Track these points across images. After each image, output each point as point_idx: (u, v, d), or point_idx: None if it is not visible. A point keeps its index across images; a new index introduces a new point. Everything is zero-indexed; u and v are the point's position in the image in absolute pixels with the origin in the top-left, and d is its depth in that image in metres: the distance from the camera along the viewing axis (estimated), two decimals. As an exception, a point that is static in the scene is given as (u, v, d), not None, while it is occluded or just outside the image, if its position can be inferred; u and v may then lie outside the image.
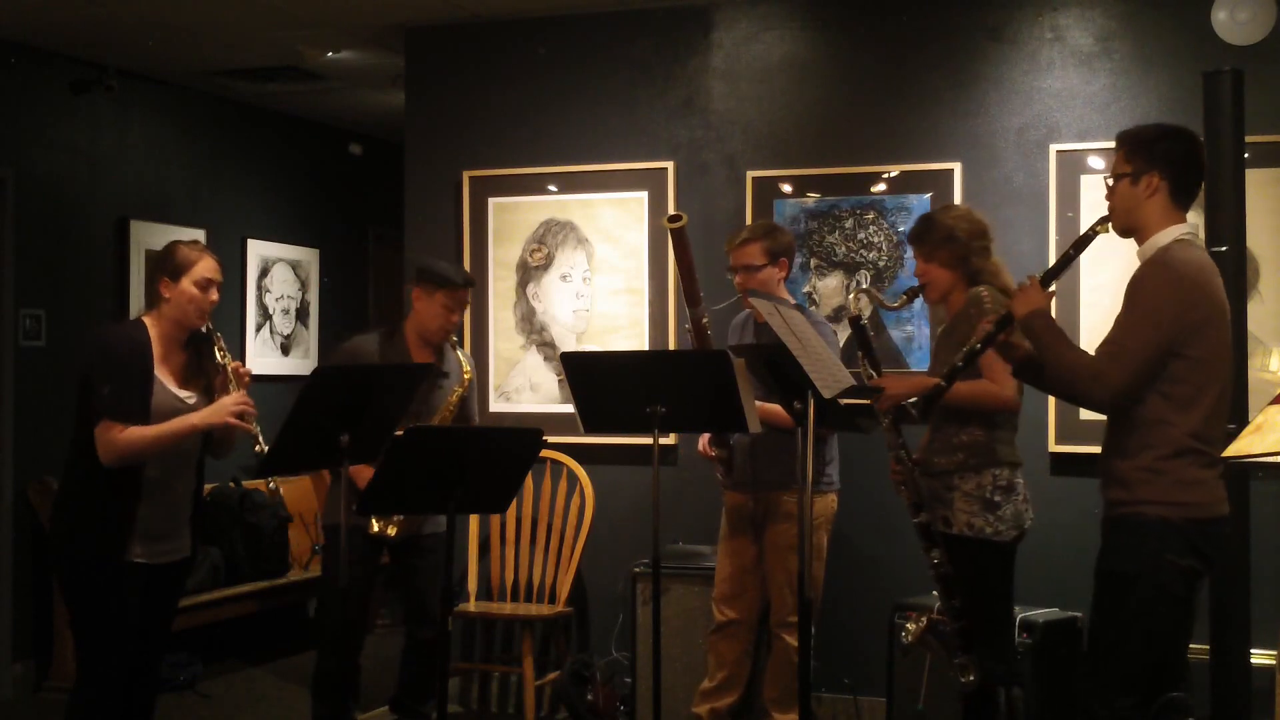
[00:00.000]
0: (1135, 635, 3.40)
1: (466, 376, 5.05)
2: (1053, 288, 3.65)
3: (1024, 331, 3.55)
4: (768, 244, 4.82)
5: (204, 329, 4.07)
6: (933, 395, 3.74)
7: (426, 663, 5.02)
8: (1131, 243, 3.54)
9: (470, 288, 5.09)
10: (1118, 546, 3.46)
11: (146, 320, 4.06)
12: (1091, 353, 3.48)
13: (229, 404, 3.96)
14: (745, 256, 4.82)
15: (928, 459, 4.09)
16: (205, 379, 4.10)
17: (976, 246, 4.15)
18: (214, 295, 4.07)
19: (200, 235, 7.25)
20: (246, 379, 4.05)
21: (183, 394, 4.04)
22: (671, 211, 5.55)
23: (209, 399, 4.05)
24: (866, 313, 4.17)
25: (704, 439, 4.97)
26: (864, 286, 4.14)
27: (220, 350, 4.06)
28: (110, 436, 3.88)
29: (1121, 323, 3.41)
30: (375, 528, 4.89)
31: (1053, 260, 5.21)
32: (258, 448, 3.99)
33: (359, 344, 5.08)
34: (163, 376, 4.01)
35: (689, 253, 4.70)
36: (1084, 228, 3.45)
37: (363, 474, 4.67)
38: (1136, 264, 3.49)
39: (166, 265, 4.05)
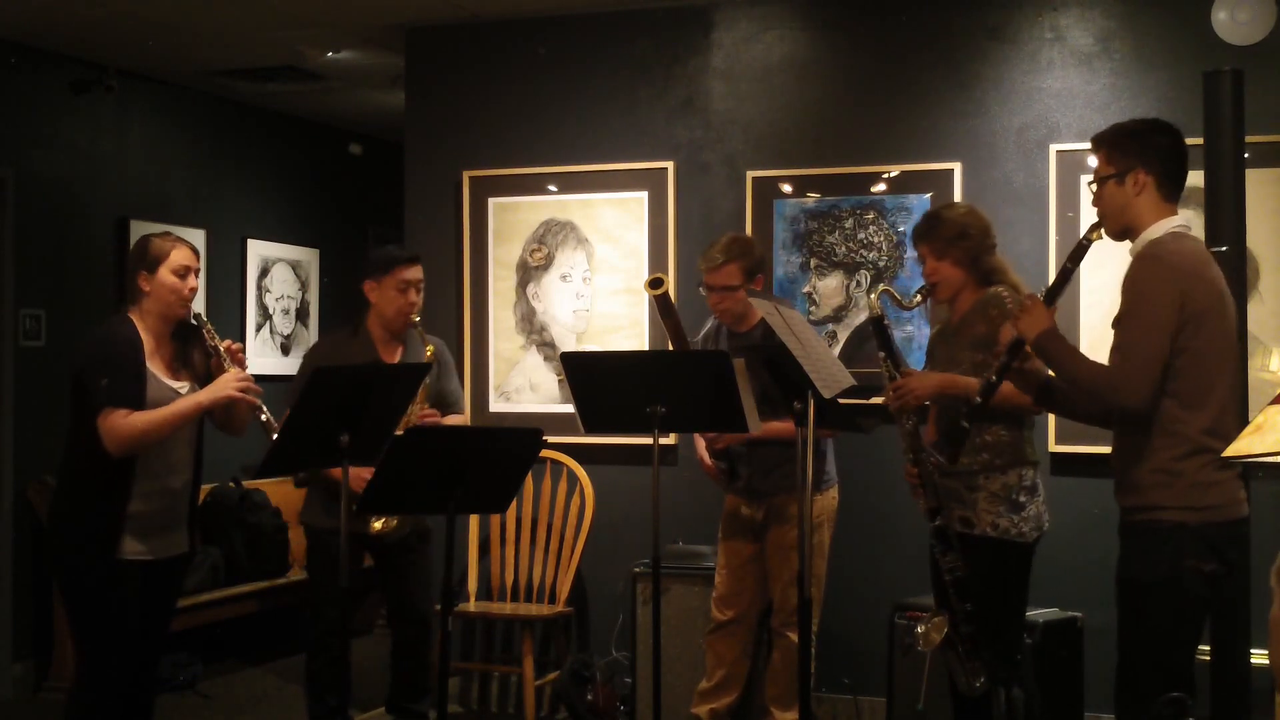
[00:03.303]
0: (1159, 642, 3.34)
1: (429, 354, 4.81)
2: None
3: (1037, 353, 3.45)
4: (745, 263, 4.76)
5: (191, 318, 4.09)
6: (978, 410, 3.67)
7: (415, 661, 5.02)
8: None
9: (417, 263, 4.90)
10: (1135, 554, 3.38)
11: (132, 316, 4.07)
12: (1104, 363, 3.38)
13: (231, 380, 3.99)
14: (724, 278, 4.75)
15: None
16: (193, 370, 4.12)
17: (987, 245, 4.10)
18: (192, 282, 4.08)
19: (200, 235, 7.27)
20: (241, 356, 4.08)
21: (175, 384, 4.05)
22: (669, 212, 5.56)
23: (201, 388, 4.07)
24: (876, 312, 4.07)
25: (702, 450, 4.95)
26: (885, 287, 4.07)
27: (210, 335, 4.09)
28: (113, 423, 3.88)
29: (1125, 326, 3.31)
30: (377, 526, 4.83)
31: (1053, 261, 5.22)
32: (264, 417, 4.04)
33: (323, 344, 5.16)
34: (155, 369, 4.02)
35: (674, 313, 4.67)
36: (1084, 228, 3.41)
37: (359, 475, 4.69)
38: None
39: (143, 259, 4.07)
